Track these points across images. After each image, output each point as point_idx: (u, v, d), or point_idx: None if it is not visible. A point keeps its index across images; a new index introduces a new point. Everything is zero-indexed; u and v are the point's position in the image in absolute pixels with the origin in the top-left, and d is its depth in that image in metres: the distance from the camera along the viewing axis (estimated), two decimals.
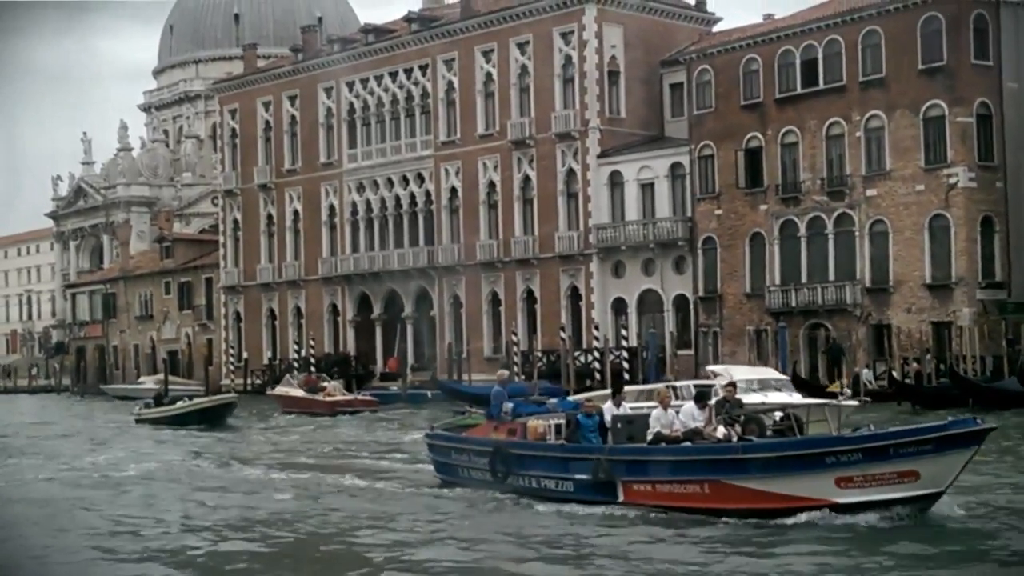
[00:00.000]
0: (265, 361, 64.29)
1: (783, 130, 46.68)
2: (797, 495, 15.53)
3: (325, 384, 47.02)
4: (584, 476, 17.27)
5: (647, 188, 51.21)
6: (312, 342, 61.05)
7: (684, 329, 49.34)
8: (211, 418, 39.15)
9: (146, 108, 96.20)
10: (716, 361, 46.14)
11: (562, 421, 18.30)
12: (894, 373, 40.57)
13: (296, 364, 60.43)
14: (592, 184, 52.07)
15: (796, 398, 26.90)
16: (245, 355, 64.90)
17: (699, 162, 49.34)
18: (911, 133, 43.39)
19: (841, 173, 45.15)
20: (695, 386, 26.76)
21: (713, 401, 17.48)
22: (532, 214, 54.31)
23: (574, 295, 52.85)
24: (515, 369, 50.11)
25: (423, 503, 18.67)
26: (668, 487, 16.52)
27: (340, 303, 62.19)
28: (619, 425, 17.70)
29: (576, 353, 48.98)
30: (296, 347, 62.35)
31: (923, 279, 43.09)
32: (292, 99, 64.43)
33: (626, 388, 22.53)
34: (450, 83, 57.24)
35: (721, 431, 16.58)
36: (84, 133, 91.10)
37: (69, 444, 33.07)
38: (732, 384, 18.11)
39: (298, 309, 64.14)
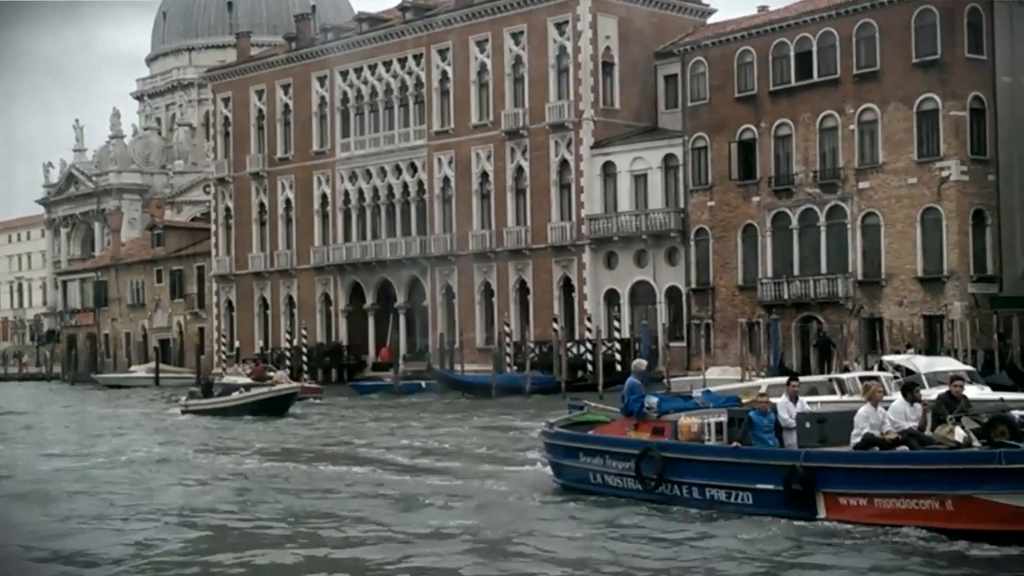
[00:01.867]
0: (257, 350, 64.20)
1: (776, 122, 46.73)
2: None
3: (272, 373, 48.59)
4: (769, 486, 14.58)
5: (640, 179, 51.25)
6: (304, 331, 61.02)
7: (676, 321, 49.42)
8: (270, 409, 36.78)
9: (139, 96, 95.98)
10: (707, 354, 46.22)
11: (723, 419, 15.78)
12: (880, 365, 40.48)
13: (288, 353, 60.42)
14: (585, 175, 52.08)
15: (987, 392, 24.35)
16: (237, 344, 64.83)
17: (692, 154, 49.38)
18: (904, 126, 43.46)
19: (834, 166, 45.22)
20: (860, 378, 24.61)
21: (921, 393, 14.89)
22: (525, 204, 54.32)
23: (567, 286, 52.90)
24: (507, 360, 50.23)
25: (550, 513, 16.08)
26: (892, 502, 13.68)
27: (332, 292, 62.17)
28: (807, 425, 15.17)
29: (568, 344, 49.01)
30: (288, 336, 62.33)
31: (915, 272, 43.20)
32: (285, 87, 64.32)
33: (801, 379, 19.67)
34: (444, 73, 57.18)
35: (960, 433, 13.98)
36: (76, 120, 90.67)
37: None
38: (960, 378, 15.59)
39: (290, 298, 64.10)
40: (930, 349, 41.16)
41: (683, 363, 47.20)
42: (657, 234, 49.95)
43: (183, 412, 38.37)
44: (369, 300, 60.58)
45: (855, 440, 14.45)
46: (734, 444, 15.29)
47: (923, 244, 43.02)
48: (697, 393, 18.25)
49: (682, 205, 49.69)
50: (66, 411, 44.60)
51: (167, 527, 15.86)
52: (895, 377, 25.52)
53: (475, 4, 56.03)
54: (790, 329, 45.39)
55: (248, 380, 47.36)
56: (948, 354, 39.85)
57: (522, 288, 54.32)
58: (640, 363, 18.44)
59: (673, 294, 50.00)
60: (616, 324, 49.91)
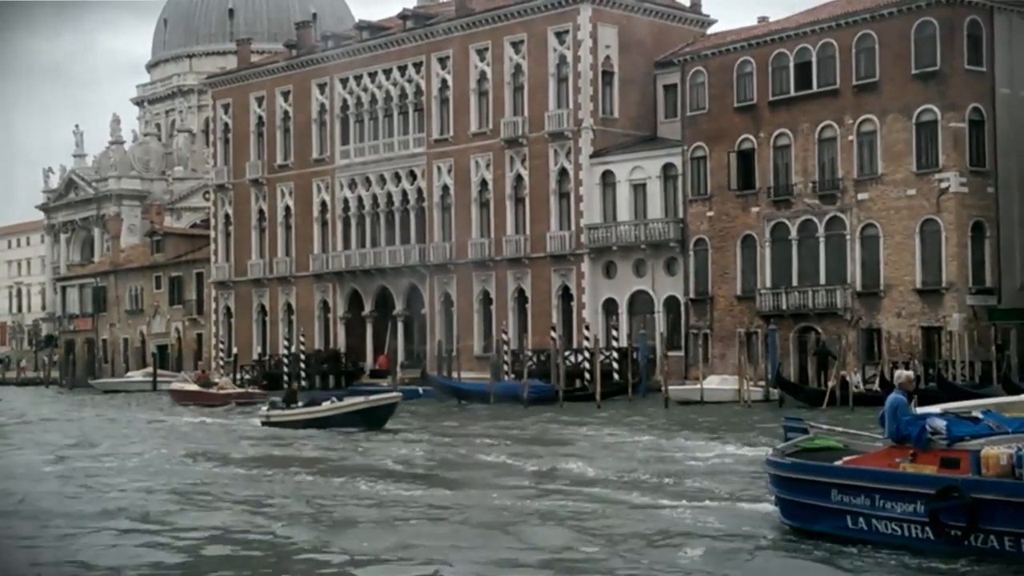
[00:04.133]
0: (255, 356, 64.19)
1: (776, 132, 46.76)
2: None
3: (217, 380, 52.30)
4: None
5: (639, 189, 51.26)
6: (302, 338, 60.99)
7: (674, 330, 49.38)
8: (368, 421, 32.67)
9: (139, 102, 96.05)
10: (705, 363, 46.09)
11: None
12: (886, 376, 40.41)
13: (286, 360, 60.49)
14: (584, 184, 52.09)
15: None
16: (235, 350, 64.81)
17: (691, 163, 49.39)
18: (903, 137, 43.48)
19: (833, 176, 45.23)
20: None
21: None
22: (524, 213, 54.32)
23: (565, 295, 52.87)
24: (504, 368, 50.17)
25: (814, 571, 12.75)
26: None
27: (331, 299, 62.14)
28: None
29: (566, 353, 48.93)
30: (286, 343, 62.24)
31: (913, 284, 43.18)
32: (285, 95, 64.36)
33: None
34: (444, 81, 57.21)
35: None
36: (76, 126, 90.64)
37: None
38: None
39: (289, 305, 64.08)
40: (928, 361, 41.15)
41: (681, 372, 47.17)
42: (656, 244, 49.95)
43: (263, 423, 34.26)
44: (367, 307, 60.55)
45: None
46: None
47: (922, 255, 43.01)
48: (978, 414, 14.37)
49: (681, 215, 49.69)
50: (113, 422, 39.69)
51: None
52: None
53: (475, 13, 56.09)
54: (788, 339, 45.37)
55: (195, 386, 50.34)
56: (947, 365, 39.83)
57: (520, 296, 54.29)
58: (905, 374, 14.72)
59: (671, 303, 49.98)
60: (614, 333, 49.84)
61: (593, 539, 14.78)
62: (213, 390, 49.29)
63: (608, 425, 33.68)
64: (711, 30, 55.44)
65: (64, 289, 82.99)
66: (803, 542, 13.78)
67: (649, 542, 14.46)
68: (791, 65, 46.36)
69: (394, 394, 35.90)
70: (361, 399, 34.24)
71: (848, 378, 39.50)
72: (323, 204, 62.44)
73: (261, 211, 65.58)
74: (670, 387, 42.44)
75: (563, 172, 52.93)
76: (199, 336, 69.98)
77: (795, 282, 45.84)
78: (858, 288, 44.40)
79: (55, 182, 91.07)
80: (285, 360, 60.61)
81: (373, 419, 32.68)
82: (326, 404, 33.75)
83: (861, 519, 13.41)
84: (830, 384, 39.08)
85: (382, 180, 59.68)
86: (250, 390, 51.98)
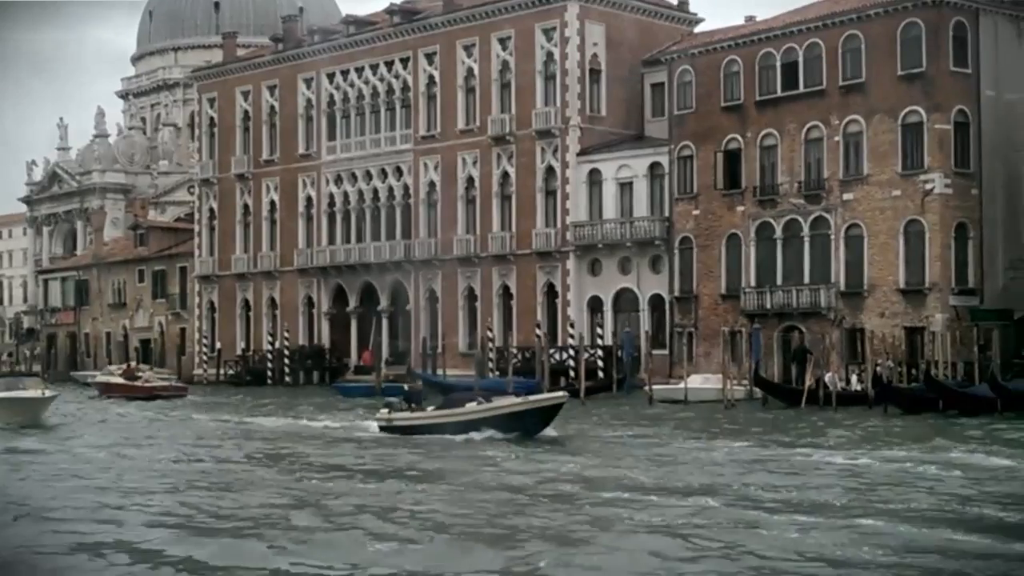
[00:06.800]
0: (239, 352, 64.04)
1: (762, 132, 46.87)
2: None
3: (141, 373, 52.87)
4: None
5: (626, 187, 51.33)
6: (286, 334, 60.89)
7: (659, 329, 49.46)
8: (527, 425, 27.53)
9: (124, 95, 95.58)
10: (690, 362, 46.13)
11: None
12: (879, 374, 40.13)
13: (270, 355, 60.31)
14: (571, 182, 52.14)
15: None
16: (218, 345, 64.64)
17: (678, 162, 49.48)
18: (889, 138, 43.66)
19: (819, 176, 45.39)
20: None
21: None
22: (510, 210, 54.34)
23: (550, 292, 52.91)
24: (489, 365, 50.16)
25: None
26: None
27: (315, 295, 62.02)
28: None
29: (551, 350, 48.97)
30: (270, 338, 62.14)
31: (897, 284, 43.37)
32: (272, 89, 64.19)
33: None
34: (431, 77, 57.17)
35: None
36: (60, 119, 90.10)
37: None
38: None
39: (273, 300, 63.92)
40: (911, 361, 41.28)
41: (665, 371, 47.25)
42: (641, 242, 50.03)
43: (382, 428, 29.37)
44: (352, 303, 60.47)
45: None
46: None
47: (906, 256, 43.20)
48: None
49: (667, 213, 49.78)
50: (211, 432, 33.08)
51: None
52: None
53: (462, 8, 56.05)
54: (772, 339, 45.50)
55: (121, 379, 50.92)
56: (929, 366, 39.85)
57: (506, 293, 54.31)
58: None
59: (656, 302, 50.06)
60: (599, 331, 49.91)
61: None
62: (139, 383, 50.03)
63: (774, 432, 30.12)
64: (698, 29, 55.55)
65: (46, 282, 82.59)
66: None
67: None
68: (778, 65, 46.48)
69: (560, 393, 30.84)
70: (519, 399, 29.06)
71: (825, 378, 39.36)
72: (308, 199, 62.31)
73: (246, 206, 65.40)
74: (654, 386, 42.49)
75: (550, 170, 52.96)
76: (182, 331, 69.74)
77: (779, 281, 45.97)
78: (842, 288, 44.57)
79: (38, 175, 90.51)
80: (269, 355, 60.52)
81: (535, 423, 27.70)
82: (471, 405, 28.44)
83: None
84: (807, 383, 39.06)
85: (368, 176, 59.59)
86: (175, 383, 52.92)
